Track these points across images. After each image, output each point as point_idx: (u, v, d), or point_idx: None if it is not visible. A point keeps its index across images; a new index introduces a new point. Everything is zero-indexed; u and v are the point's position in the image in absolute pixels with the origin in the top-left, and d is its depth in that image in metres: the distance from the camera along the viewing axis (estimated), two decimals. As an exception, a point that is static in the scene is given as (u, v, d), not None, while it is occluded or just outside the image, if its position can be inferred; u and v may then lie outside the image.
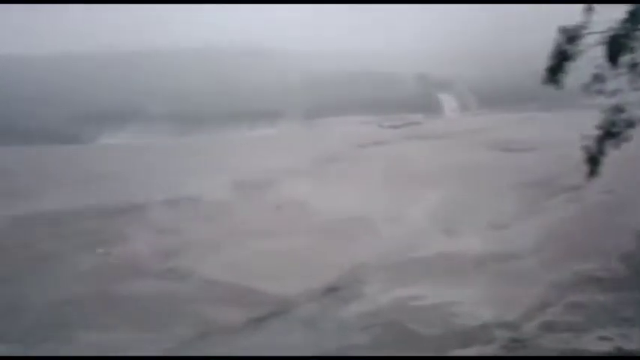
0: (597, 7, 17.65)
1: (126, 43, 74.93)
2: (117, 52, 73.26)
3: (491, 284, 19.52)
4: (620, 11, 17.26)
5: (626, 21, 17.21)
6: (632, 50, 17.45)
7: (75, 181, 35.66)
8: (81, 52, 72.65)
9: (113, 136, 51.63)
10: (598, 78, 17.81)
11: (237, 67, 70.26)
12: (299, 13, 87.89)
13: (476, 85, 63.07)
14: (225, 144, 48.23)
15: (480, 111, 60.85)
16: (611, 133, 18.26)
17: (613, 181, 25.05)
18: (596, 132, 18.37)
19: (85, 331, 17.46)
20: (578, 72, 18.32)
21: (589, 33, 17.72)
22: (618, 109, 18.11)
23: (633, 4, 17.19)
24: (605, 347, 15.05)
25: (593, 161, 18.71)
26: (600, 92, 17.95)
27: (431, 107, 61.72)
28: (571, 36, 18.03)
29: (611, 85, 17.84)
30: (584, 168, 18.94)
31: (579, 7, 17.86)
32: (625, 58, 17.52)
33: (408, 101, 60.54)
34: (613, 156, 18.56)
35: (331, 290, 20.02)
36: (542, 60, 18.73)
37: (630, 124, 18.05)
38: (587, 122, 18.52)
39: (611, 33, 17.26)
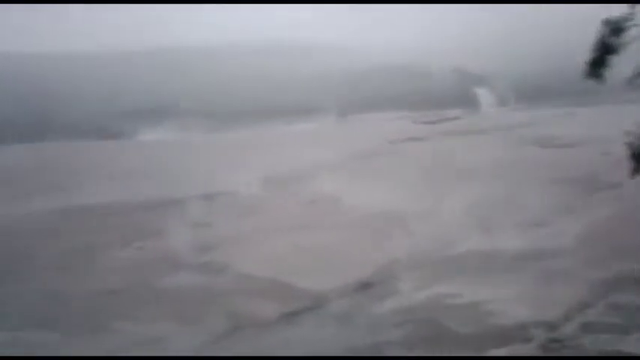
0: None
1: (145, 41, 75.34)
2: (142, 49, 73.89)
3: (529, 283, 19.11)
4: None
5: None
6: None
7: (113, 176, 36.52)
8: (106, 51, 73.57)
9: (150, 133, 52.60)
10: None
11: (274, 64, 70.42)
12: (334, 8, 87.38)
13: (514, 79, 61.92)
14: (260, 140, 48.55)
15: (517, 106, 59.81)
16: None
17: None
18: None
19: (122, 321, 17.79)
20: (619, 66, 17.84)
21: (634, 25, 17.20)
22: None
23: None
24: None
25: (638, 158, 18.16)
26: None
27: (468, 102, 60.96)
28: (615, 28, 17.52)
29: None
30: (626, 165, 18.41)
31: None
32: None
33: (444, 96, 59.84)
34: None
35: (365, 286, 19.89)
36: (581, 54, 18.28)
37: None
38: (628, 118, 17.97)
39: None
